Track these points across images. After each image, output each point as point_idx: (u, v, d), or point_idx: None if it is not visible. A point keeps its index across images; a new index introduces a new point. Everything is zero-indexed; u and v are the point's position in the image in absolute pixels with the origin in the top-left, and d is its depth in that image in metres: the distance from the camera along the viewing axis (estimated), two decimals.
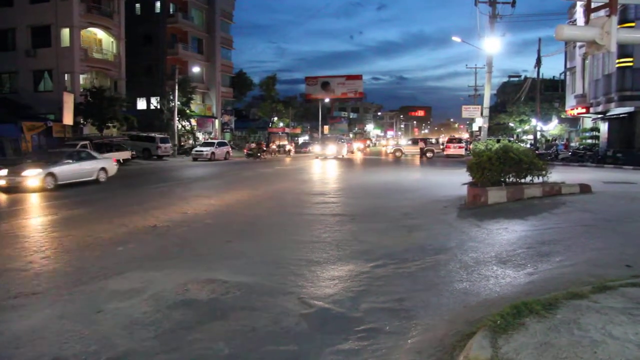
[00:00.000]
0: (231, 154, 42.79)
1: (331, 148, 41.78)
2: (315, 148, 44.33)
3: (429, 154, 43.47)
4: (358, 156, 48.32)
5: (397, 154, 45.29)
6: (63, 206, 13.65)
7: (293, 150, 54.53)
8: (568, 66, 41.24)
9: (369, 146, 74.69)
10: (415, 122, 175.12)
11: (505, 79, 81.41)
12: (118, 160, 28.75)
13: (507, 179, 12.86)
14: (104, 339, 4.59)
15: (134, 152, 33.46)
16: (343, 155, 43.33)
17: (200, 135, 52.19)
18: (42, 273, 6.82)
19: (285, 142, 58.24)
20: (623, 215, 10.33)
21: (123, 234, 9.50)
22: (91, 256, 7.76)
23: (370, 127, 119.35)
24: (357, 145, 63.56)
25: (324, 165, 31.82)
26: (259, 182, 20.77)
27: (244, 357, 4.30)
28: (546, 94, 51.83)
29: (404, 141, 57.24)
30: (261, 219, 11.62)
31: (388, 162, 36.96)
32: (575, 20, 33.42)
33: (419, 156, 43.61)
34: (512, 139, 46.84)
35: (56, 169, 18.03)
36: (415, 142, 49.69)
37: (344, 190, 17.31)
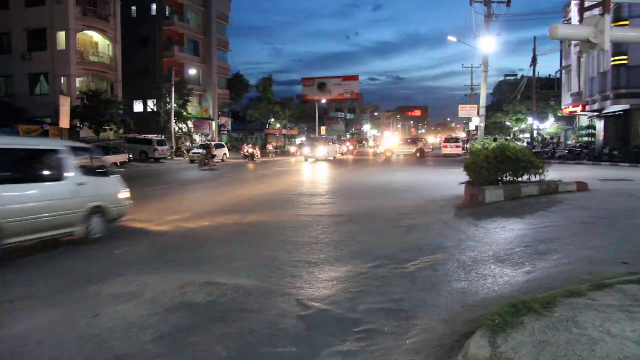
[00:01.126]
0: (228, 155, 42.74)
1: (321, 150, 39.42)
2: (304, 150, 41.52)
3: (419, 154, 43.46)
4: (349, 158, 47.39)
5: (388, 154, 44.91)
6: None
7: (258, 155, 43.34)
8: (564, 65, 41.34)
9: (356, 147, 70.88)
10: (412, 122, 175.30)
11: (502, 78, 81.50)
12: (115, 163, 28.78)
13: (504, 178, 12.88)
14: (102, 343, 4.57)
15: (131, 155, 33.40)
16: (335, 157, 42.40)
17: (197, 138, 52.14)
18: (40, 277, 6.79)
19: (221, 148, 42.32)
20: (620, 212, 10.35)
21: None
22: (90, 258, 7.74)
23: (367, 128, 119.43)
24: (347, 146, 60.12)
25: (314, 168, 31.68)
26: (257, 184, 20.75)
27: (242, 359, 4.29)
28: (542, 93, 51.90)
29: (391, 142, 54.01)
30: (259, 220, 11.60)
31: (382, 163, 36.81)
32: (570, 19, 33.49)
33: (409, 157, 43.35)
34: (509, 137, 46.92)
35: None
36: (407, 142, 49.54)
37: (341, 192, 17.30)
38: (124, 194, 10.22)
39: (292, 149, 57.10)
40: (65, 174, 8.64)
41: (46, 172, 8.62)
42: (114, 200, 9.81)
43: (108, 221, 9.54)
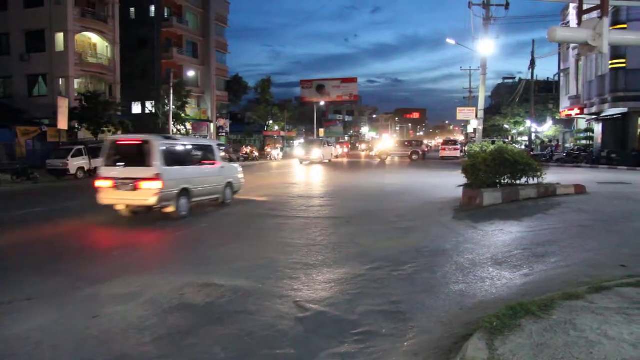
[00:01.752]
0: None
1: (315, 152, 38.45)
2: (298, 152, 40.54)
3: (414, 156, 43.19)
4: (344, 161, 46.33)
5: (383, 156, 44.79)
6: None
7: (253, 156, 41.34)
8: (562, 67, 41.41)
9: (350, 150, 67.81)
10: (410, 124, 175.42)
11: (500, 81, 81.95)
12: None
13: (502, 181, 12.89)
14: (100, 344, 4.57)
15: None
16: (330, 160, 41.61)
17: None
18: (36, 278, 6.78)
19: None
20: (618, 215, 10.38)
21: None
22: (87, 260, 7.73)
23: (365, 130, 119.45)
24: (341, 149, 57.69)
25: (308, 172, 31.56)
26: (255, 184, 20.72)
27: None
28: (540, 96, 52.00)
29: (385, 144, 52.67)
30: (256, 222, 11.60)
31: (377, 166, 36.61)
32: (568, 22, 33.57)
33: (404, 159, 43.08)
34: (507, 140, 47.01)
35: None
36: (402, 144, 49.33)
37: (338, 194, 17.29)
38: (241, 175, 15.61)
39: (275, 153, 52.30)
40: (216, 161, 13.99)
41: (207, 159, 13.77)
42: (237, 179, 15.12)
43: (233, 192, 14.75)
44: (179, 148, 12.83)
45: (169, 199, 11.48)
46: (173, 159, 12.06)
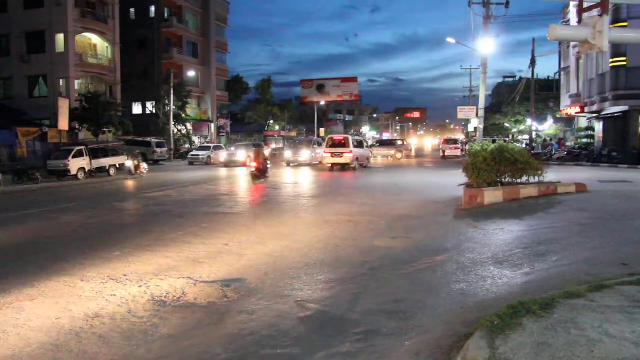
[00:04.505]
0: None
1: (304, 154, 35.83)
2: (285, 154, 38.20)
3: (398, 155, 43.05)
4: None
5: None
6: None
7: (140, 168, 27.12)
8: (562, 66, 41.35)
9: None
10: (411, 123, 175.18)
11: (500, 80, 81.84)
12: (114, 165, 28.60)
13: (503, 180, 12.89)
14: (101, 345, 4.57)
15: (129, 157, 33.42)
16: (321, 162, 39.82)
17: (196, 140, 52.12)
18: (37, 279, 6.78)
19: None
20: (619, 214, 10.36)
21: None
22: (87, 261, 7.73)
23: (366, 129, 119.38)
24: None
25: (296, 173, 31.55)
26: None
27: None
28: (541, 94, 51.95)
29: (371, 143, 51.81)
30: (257, 221, 11.59)
31: (371, 166, 36.20)
32: (568, 21, 33.50)
33: (391, 158, 42.82)
34: (507, 139, 46.95)
35: None
36: (382, 143, 49.25)
37: (339, 193, 17.29)
38: (371, 154, 36.37)
39: (228, 155, 37.54)
40: (364, 146, 32.96)
41: (360, 145, 31.24)
42: (369, 156, 34.26)
43: (368, 161, 32.59)
44: (355, 140, 29.51)
45: (353, 161, 27.58)
46: (354, 144, 28.35)
